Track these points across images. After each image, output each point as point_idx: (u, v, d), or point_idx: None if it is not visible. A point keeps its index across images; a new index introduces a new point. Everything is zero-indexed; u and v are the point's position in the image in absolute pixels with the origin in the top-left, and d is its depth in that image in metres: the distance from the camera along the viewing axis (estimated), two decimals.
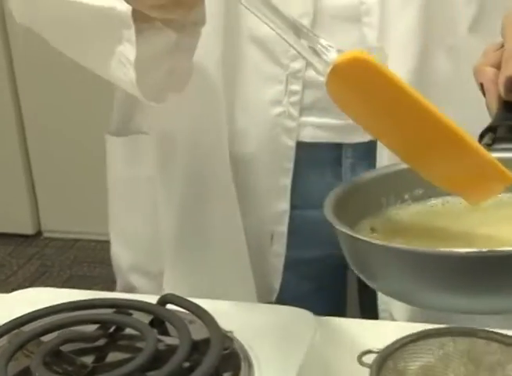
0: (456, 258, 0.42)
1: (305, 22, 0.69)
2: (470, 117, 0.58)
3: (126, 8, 0.58)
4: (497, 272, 0.42)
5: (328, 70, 0.49)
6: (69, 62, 0.69)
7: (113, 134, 0.82)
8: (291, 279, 0.79)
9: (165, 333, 0.58)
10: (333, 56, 0.49)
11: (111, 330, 0.58)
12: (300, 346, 0.56)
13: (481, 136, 0.55)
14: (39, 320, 0.59)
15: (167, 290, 0.77)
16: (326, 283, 0.84)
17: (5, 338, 0.57)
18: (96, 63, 0.65)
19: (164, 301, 0.59)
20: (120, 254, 0.83)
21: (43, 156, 2.35)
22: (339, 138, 0.74)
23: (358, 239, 0.45)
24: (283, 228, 0.76)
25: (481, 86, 0.59)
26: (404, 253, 0.43)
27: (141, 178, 0.79)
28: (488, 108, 0.59)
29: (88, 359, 0.56)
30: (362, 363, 0.53)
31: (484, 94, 0.59)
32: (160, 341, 0.56)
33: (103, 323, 0.58)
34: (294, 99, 0.72)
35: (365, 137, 0.73)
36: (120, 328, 0.58)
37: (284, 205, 0.75)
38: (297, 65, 0.71)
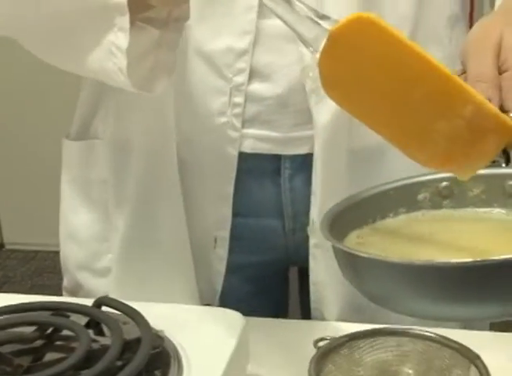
0: (437, 268, 0.44)
1: (247, 40, 0.73)
2: None
3: None
4: (481, 281, 0.43)
5: (329, 33, 0.50)
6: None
7: (71, 139, 0.85)
8: (234, 282, 0.82)
9: (100, 334, 0.60)
10: (332, 23, 0.50)
11: (48, 331, 0.60)
12: (227, 345, 0.59)
13: None
14: None
15: (113, 289, 0.81)
16: (268, 285, 0.87)
17: None
18: (77, 56, 0.66)
19: (99, 303, 0.62)
20: (69, 253, 0.86)
21: (3, 172, 2.40)
22: (278, 150, 0.78)
23: (341, 249, 0.49)
24: (226, 233, 0.79)
25: None
26: (384, 263, 0.46)
27: (94, 180, 0.83)
28: None
29: (26, 360, 0.57)
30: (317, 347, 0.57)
31: None
32: (95, 341, 0.58)
33: (41, 325, 0.60)
34: (237, 111, 0.75)
35: (302, 150, 0.77)
36: (57, 330, 0.60)
37: (227, 211, 0.78)
38: (240, 79, 0.75)
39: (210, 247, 0.80)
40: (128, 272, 0.81)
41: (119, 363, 0.56)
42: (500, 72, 0.58)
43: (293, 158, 0.78)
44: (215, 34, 0.74)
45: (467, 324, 0.80)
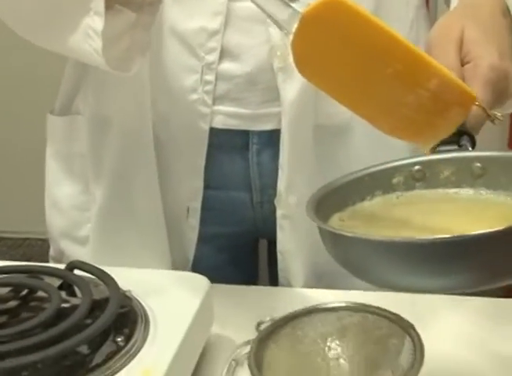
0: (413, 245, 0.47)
1: (218, 21, 0.77)
2: None
3: None
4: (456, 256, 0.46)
5: (301, 16, 0.52)
6: None
7: (55, 114, 0.89)
8: (206, 251, 0.86)
9: (72, 295, 0.63)
10: (303, 4, 0.53)
11: (23, 293, 0.63)
12: (192, 305, 0.63)
13: None
14: None
15: (91, 257, 0.85)
16: (239, 256, 0.91)
17: None
18: (58, 38, 0.70)
19: (71, 266, 0.65)
20: (53, 222, 0.91)
21: None
22: (247, 125, 0.81)
23: (326, 229, 0.52)
24: (198, 204, 0.83)
25: None
26: (366, 241, 0.49)
27: (75, 154, 0.87)
28: None
29: (1, 319, 0.61)
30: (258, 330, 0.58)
31: None
32: (66, 301, 0.62)
33: (16, 287, 0.63)
34: (208, 88, 0.79)
35: (269, 125, 0.81)
36: (32, 292, 0.64)
37: (199, 183, 0.83)
38: (211, 57, 0.78)
39: (183, 217, 0.84)
40: (104, 241, 0.86)
41: (88, 321, 0.59)
42: (463, 64, 0.62)
43: (261, 134, 0.81)
44: (189, 14, 0.78)
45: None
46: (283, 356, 0.56)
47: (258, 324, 0.57)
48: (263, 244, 0.94)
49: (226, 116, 0.81)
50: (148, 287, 0.65)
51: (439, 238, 0.46)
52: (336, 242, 0.52)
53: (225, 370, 0.56)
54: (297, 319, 0.59)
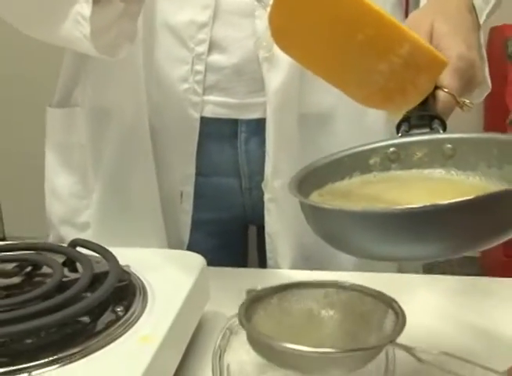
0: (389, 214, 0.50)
1: (207, 14, 0.81)
2: None
3: None
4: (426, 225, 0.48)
5: None
6: None
7: (54, 106, 0.93)
8: (199, 236, 0.90)
9: (75, 271, 0.67)
10: None
11: (28, 269, 0.67)
12: (188, 280, 0.67)
13: (398, 126, 0.63)
14: None
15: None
16: (230, 240, 0.95)
17: None
18: (50, 27, 0.73)
19: (74, 244, 0.69)
20: (53, 210, 0.94)
21: (4, 167, 2.46)
22: (235, 114, 0.85)
23: (306, 203, 0.55)
24: (190, 188, 0.88)
25: None
26: (344, 212, 0.52)
27: (74, 145, 0.91)
28: None
29: (5, 293, 0.63)
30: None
31: None
32: (68, 276, 0.65)
33: (21, 262, 0.67)
34: (198, 78, 0.83)
35: (256, 114, 0.85)
36: (36, 267, 0.67)
37: (191, 169, 0.87)
38: (201, 49, 0.83)
39: (178, 203, 0.88)
40: (104, 227, 0.90)
41: (88, 294, 0.62)
42: None
43: (248, 122, 0.86)
44: (180, 7, 0.82)
45: (402, 268, 0.89)
46: (271, 316, 0.59)
47: (248, 291, 0.60)
48: (252, 231, 0.98)
49: (215, 105, 0.85)
50: (146, 264, 0.69)
51: (410, 207, 0.49)
52: (316, 215, 0.55)
53: (220, 338, 0.59)
54: (287, 291, 0.61)
